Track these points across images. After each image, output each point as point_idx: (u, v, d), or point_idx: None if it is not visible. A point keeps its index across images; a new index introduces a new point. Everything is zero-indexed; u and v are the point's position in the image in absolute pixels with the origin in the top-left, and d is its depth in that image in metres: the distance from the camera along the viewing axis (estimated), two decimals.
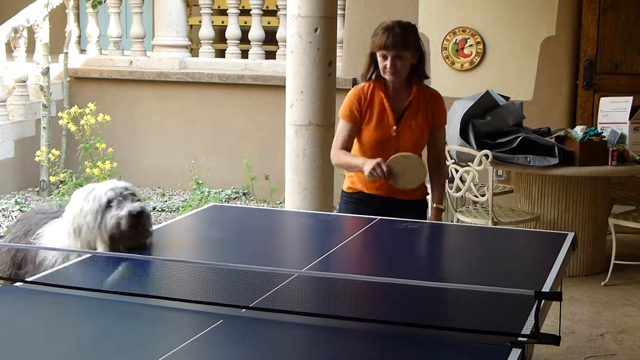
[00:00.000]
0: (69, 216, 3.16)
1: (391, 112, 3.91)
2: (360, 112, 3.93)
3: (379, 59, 3.87)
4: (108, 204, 3.09)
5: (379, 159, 3.71)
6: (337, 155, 3.96)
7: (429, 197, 4.11)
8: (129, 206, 3.08)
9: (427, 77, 4.02)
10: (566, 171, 5.22)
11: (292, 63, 4.98)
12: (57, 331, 2.40)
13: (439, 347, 2.31)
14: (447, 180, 5.49)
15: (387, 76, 3.88)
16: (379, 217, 3.79)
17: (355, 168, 3.90)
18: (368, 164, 3.72)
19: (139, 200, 3.17)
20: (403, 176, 3.73)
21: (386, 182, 3.78)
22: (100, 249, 3.07)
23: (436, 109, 3.98)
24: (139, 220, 3.08)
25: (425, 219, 4.02)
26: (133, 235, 3.08)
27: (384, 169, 3.68)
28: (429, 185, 4.13)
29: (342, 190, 4.13)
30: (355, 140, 3.99)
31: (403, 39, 3.81)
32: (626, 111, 5.51)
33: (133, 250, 3.07)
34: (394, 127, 3.90)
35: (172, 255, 3.11)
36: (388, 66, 3.83)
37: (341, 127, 3.97)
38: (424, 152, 4.05)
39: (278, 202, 7.54)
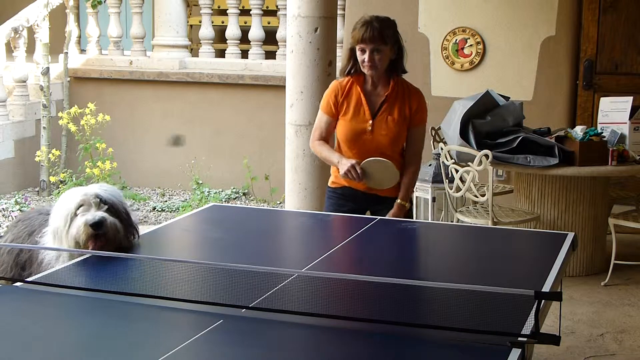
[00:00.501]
0: (51, 218, 3.20)
1: (367, 106, 3.97)
2: (336, 106, 4.01)
3: (358, 52, 3.93)
4: (75, 211, 3.11)
5: (353, 161, 3.85)
6: (314, 145, 4.11)
7: (414, 195, 4.14)
8: (88, 215, 3.08)
9: (406, 72, 4.06)
10: (566, 171, 5.22)
11: (292, 63, 4.98)
12: (57, 331, 2.40)
13: (439, 347, 2.31)
14: (450, 182, 5.49)
15: (366, 70, 3.93)
16: (379, 217, 3.80)
17: (331, 163, 4.04)
18: (343, 165, 3.87)
19: (110, 207, 3.14)
20: (375, 178, 3.89)
21: (360, 182, 3.90)
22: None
23: (414, 106, 4.00)
24: (99, 229, 3.06)
25: (409, 217, 4.06)
26: (95, 243, 3.08)
27: (358, 171, 3.83)
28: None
29: (327, 186, 4.19)
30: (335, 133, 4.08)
31: (381, 33, 3.87)
32: (626, 111, 5.51)
33: (121, 250, 3.08)
34: (370, 121, 3.95)
35: (172, 255, 3.11)
36: (366, 59, 3.88)
37: (319, 118, 4.10)
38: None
39: (278, 202, 7.54)
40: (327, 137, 4.08)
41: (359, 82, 4.00)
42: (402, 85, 4.01)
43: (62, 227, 3.11)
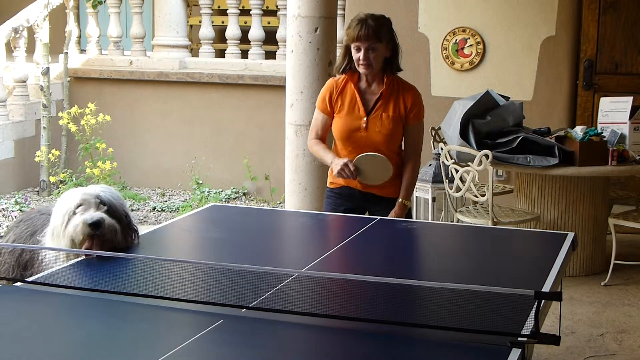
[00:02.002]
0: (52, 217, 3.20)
1: (362, 104, 3.97)
2: (331, 103, 4.03)
3: (353, 51, 3.93)
4: (75, 210, 3.11)
5: (346, 159, 3.87)
6: (311, 144, 4.12)
7: (413, 194, 4.13)
8: (87, 214, 3.08)
9: (401, 70, 4.05)
10: (566, 171, 5.22)
11: (292, 63, 4.98)
12: (57, 331, 2.40)
13: (439, 347, 2.31)
14: (449, 181, 5.49)
15: (361, 68, 3.93)
16: (379, 217, 3.79)
17: (325, 163, 4.08)
18: (336, 164, 3.89)
19: (109, 209, 3.14)
20: (369, 174, 3.89)
21: (354, 180, 3.93)
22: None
23: (409, 103, 4.00)
24: (96, 229, 3.06)
25: (409, 216, 4.07)
26: (91, 242, 3.07)
27: (351, 168, 3.85)
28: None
29: (326, 186, 4.21)
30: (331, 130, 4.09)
31: (376, 31, 3.86)
32: (626, 111, 5.51)
33: (119, 250, 3.08)
34: (364, 119, 3.95)
35: (172, 255, 3.11)
36: (361, 58, 3.88)
37: (315, 117, 4.13)
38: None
39: (278, 202, 7.54)
40: (323, 136, 4.10)
41: (354, 80, 4.00)
42: (397, 83, 4.01)
43: (59, 225, 3.11)
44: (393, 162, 3.98)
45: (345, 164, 3.84)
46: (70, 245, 3.08)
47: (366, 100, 3.99)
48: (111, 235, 3.10)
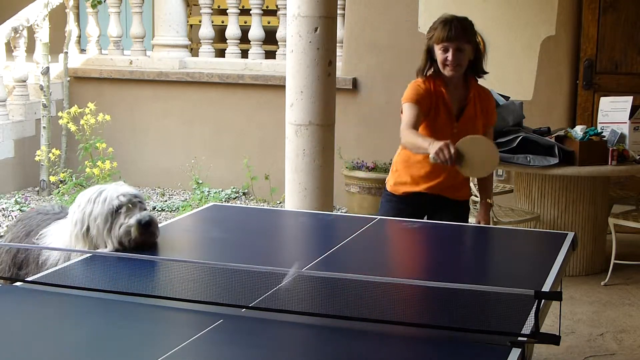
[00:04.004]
0: (75, 217, 3.16)
1: (451, 110, 3.84)
2: (430, 104, 3.78)
3: (439, 52, 3.78)
4: (117, 210, 3.12)
5: (447, 141, 3.48)
6: (405, 133, 3.70)
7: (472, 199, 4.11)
8: (139, 215, 3.11)
9: (486, 73, 3.94)
10: (566, 171, 5.22)
11: (292, 63, 4.98)
12: (57, 331, 2.40)
13: (439, 347, 2.31)
14: None
15: (448, 70, 3.78)
16: (379, 217, 3.79)
17: (420, 149, 3.64)
18: (434, 146, 3.47)
19: (146, 208, 3.20)
20: (470, 161, 3.50)
21: (452, 166, 3.53)
22: (110, 249, 3.09)
23: (489, 106, 3.97)
24: (148, 229, 3.12)
25: (467, 219, 4.04)
26: (141, 242, 3.12)
27: (452, 151, 3.44)
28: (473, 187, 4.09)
29: (385, 189, 4.06)
30: None
31: (464, 31, 3.77)
32: (626, 111, 5.52)
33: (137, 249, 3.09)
34: (455, 124, 3.85)
35: (172, 255, 3.11)
36: (450, 59, 3.74)
37: (407, 109, 3.76)
38: None
39: (278, 202, 7.54)
40: (417, 126, 3.76)
41: (440, 84, 3.82)
42: (477, 86, 3.94)
43: (101, 227, 3.10)
44: None
45: (446, 145, 3.43)
46: (120, 247, 3.08)
47: (454, 105, 3.85)
48: (157, 232, 3.17)
